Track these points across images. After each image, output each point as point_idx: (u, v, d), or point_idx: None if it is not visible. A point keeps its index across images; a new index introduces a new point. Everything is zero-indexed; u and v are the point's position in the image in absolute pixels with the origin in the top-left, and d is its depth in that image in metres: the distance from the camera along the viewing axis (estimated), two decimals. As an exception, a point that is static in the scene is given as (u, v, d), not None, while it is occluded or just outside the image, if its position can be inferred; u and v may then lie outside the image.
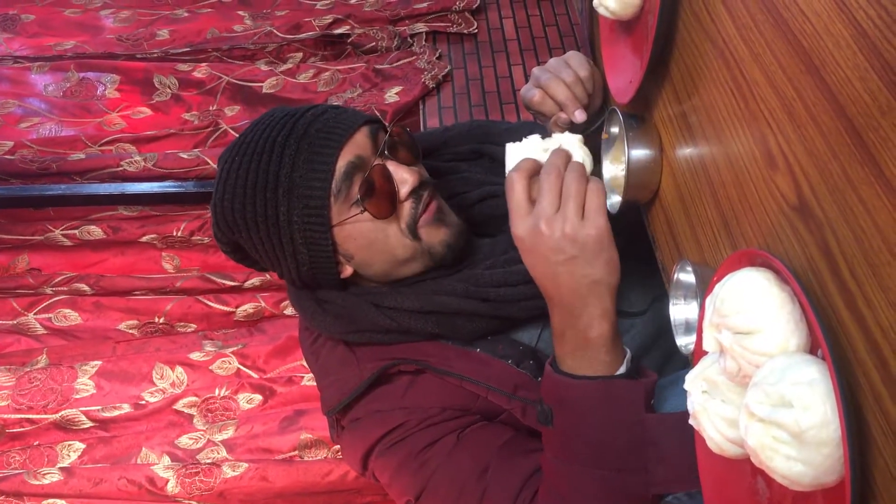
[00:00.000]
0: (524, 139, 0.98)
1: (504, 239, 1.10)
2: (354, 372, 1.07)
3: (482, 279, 1.05)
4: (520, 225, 0.89)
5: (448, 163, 1.22)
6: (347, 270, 1.07)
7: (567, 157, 0.92)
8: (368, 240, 1.03)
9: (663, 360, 1.14)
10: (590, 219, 0.88)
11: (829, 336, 0.56)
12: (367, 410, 1.07)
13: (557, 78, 1.07)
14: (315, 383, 1.20)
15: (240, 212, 1.02)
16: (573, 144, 0.96)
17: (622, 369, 0.92)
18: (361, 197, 1.00)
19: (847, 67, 0.59)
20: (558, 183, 0.88)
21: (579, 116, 1.07)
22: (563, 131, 1.07)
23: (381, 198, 1.01)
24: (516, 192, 0.90)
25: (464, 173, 1.20)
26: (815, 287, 0.63)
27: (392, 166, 1.02)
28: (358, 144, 1.02)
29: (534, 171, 0.92)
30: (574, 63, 1.09)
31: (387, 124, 1.07)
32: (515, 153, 0.97)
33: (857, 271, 0.58)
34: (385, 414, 1.05)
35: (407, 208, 1.03)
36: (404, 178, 1.02)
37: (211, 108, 2.39)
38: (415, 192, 1.03)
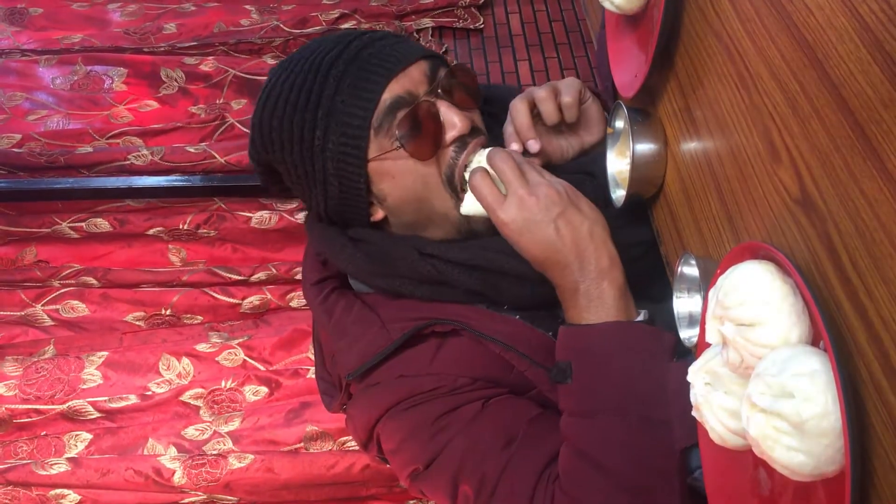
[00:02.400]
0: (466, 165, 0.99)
1: None
2: (378, 332, 0.99)
3: None
4: (504, 211, 0.90)
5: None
6: (379, 213, 1.03)
7: (500, 148, 0.96)
8: (405, 181, 0.98)
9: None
10: (552, 178, 0.92)
11: (830, 328, 0.57)
12: (391, 374, 0.99)
13: (524, 103, 1.03)
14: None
15: (277, 130, 0.98)
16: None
17: (641, 317, 0.92)
18: (401, 133, 0.95)
19: (850, 61, 0.59)
20: (513, 161, 0.91)
21: (533, 146, 1.03)
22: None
23: (423, 137, 0.95)
24: (486, 188, 0.91)
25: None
26: (818, 279, 0.64)
27: (443, 107, 0.96)
28: (411, 79, 0.97)
29: (487, 173, 0.94)
30: (559, 86, 1.06)
31: (450, 63, 1.01)
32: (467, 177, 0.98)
33: (859, 264, 0.59)
34: (411, 379, 0.98)
35: (449, 154, 0.98)
36: (453, 121, 0.96)
37: (218, 102, 2.40)
38: (461, 139, 0.97)
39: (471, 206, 0.97)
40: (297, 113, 0.96)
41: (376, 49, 0.97)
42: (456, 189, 0.99)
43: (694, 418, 0.81)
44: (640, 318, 0.92)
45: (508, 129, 1.05)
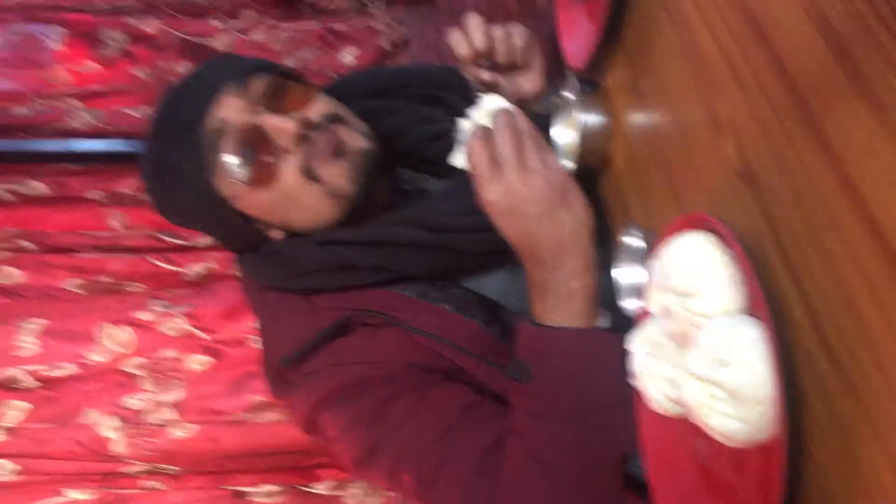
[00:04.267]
0: (469, 113, 0.95)
1: (461, 177, 1.07)
2: (311, 320, 1.00)
3: (434, 209, 1.01)
4: (491, 190, 0.85)
5: (404, 101, 1.16)
6: (277, 234, 1.03)
7: (511, 113, 0.89)
8: (270, 204, 0.98)
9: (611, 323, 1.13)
10: (551, 165, 0.87)
11: (768, 298, 0.58)
12: (324, 363, 1.00)
13: (481, 26, 1.02)
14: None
15: (155, 200, 1.02)
16: (499, 102, 0.93)
17: (604, 322, 0.91)
18: (231, 167, 0.94)
19: (794, 33, 0.60)
20: (515, 139, 0.86)
21: (483, 75, 1.03)
22: (479, 84, 1.05)
23: (254, 163, 0.94)
24: (481, 159, 0.86)
25: (419, 111, 1.14)
26: (757, 251, 0.65)
27: (269, 120, 0.94)
28: (223, 107, 0.94)
29: (488, 136, 0.89)
30: (511, 28, 1.06)
31: (265, 70, 0.99)
32: (465, 127, 0.95)
33: (797, 235, 0.60)
34: (344, 367, 0.99)
35: (300, 155, 0.95)
36: (283, 129, 0.94)
37: (161, 64, 2.33)
38: (305, 137, 0.95)
39: (461, 162, 0.93)
40: (157, 180, 0.99)
41: (185, 92, 0.97)
42: (319, 178, 0.97)
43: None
44: (604, 322, 0.91)
45: (461, 51, 1.03)
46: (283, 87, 0.98)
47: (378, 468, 0.98)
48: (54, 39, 2.37)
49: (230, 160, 0.94)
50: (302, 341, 1.00)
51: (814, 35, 0.58)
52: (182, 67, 2.34)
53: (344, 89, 1.14)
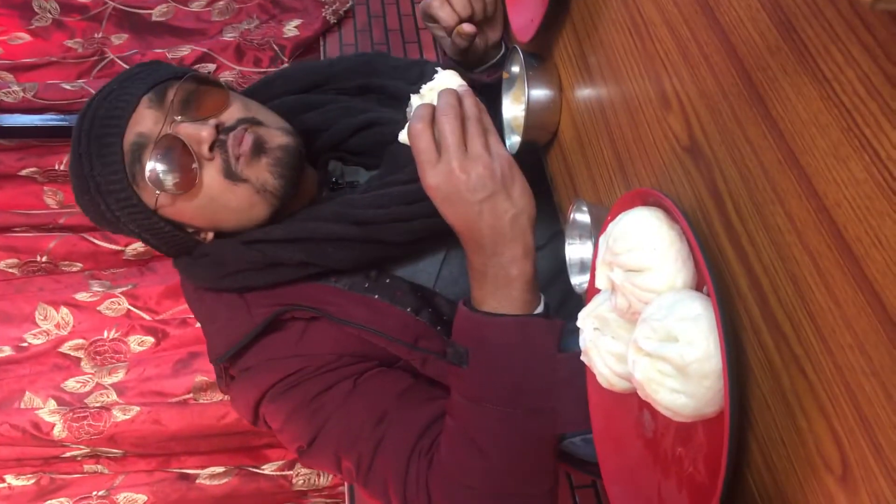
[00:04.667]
0: (421, 88, 0.94)
1: (385, 168, 1.08)
2: (244, 317, 1.02)
3: (354, 202, 1.02)
4: (433, 174, 0.85)
5: (330, 94, 1.18)
6: (208, 236, 1.05)
7: (457, 95, 0.88)
8: (197, 208, 0.99)
9: (562, 298, 1.15)
10: (495, 152, 0.86)
11: (714, 273, 0.58)
12: (259, 358, 1.03)
13: None
14: None
15: (87, 210, 1.02)
16: (452, 79, 0.92)
17: (540, 309, 0.92)
18: (153, 179, 0.95)
19: (740, 8, 0.60)
20: (458, 123, 0.85)
21: (467, 28, 1.05)
22: (466, 44, 1.06)
23: (175, 171, 0.96)
24: (423, 142, 0.85)
25: (343, 103, 1.15)
26: (703, 226, 0.65)
27: (184, 129, 0.96)
28: (140, 120, 0.96)
29: (432, 117, 0.88)
30: None
31: (179, 77, 1.00)
32: (414, 103, 0.94)
33: (742, 210, 0.60)
34: (278, 361, 1.02)
35: (218, 160, 0.97)
36: (199, 137, 0.95)
37: (96, 36, 2.26)
38: (219, 141, 0.97)
39: (405, 139, 0.91)
40: (83, 195, 0.99)
41: (105, 108, 0.98)
42: (243, 177, 0.98)
43: (576, 407, 0.85)
44: (540, 308, 0.92)
45: (446, 18, 1.07)
46: (196, 93, 0.99)
47: (321, 456, 1.00)
48: (-18, 10, 2.28)
49: (152, 172, 0.95)
50: (236, 339, 1.02)
51: (759, 9, 0.58)
52: (118, 39, 2.27)
53: (273, 87, 1.17)
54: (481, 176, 0.84)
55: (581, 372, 0.82)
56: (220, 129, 0.97)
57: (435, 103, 0.88)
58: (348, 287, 1.03)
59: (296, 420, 1.00)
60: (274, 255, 1.00)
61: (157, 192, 0.96)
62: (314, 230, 1.00)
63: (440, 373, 1.00)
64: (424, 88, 0.93)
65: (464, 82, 0.92)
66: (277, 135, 1.00)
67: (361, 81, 1.19)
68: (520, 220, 0.87)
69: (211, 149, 0.96)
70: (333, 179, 1.13)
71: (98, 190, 0.97)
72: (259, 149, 0.98)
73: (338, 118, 1.13)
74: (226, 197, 0.98)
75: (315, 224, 1.00)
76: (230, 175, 0.97)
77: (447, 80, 0.92)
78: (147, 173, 0.95)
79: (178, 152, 0.95)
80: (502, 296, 0.89)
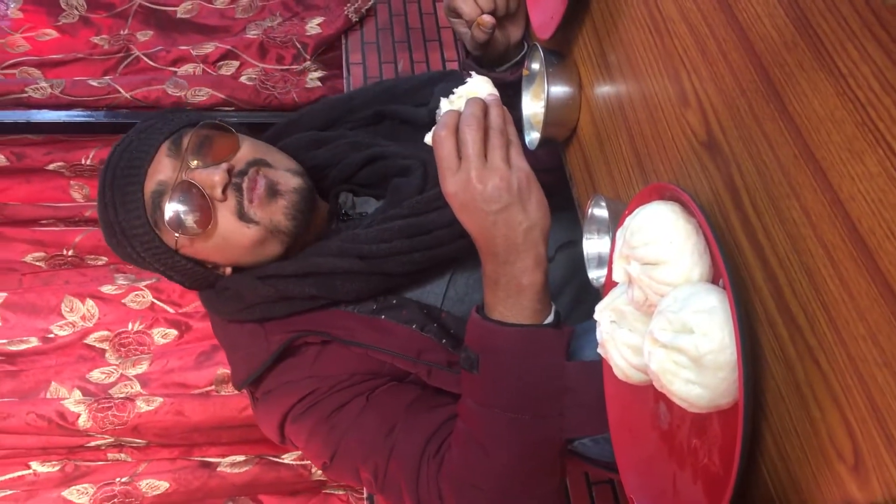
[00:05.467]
0: (453, 91, 0.96)
1: (388, 202, 1.12)
2: (263, 345, 1.09)
3: (358, 237, 1.07)
4: (451, 182, 0.88)
5: (348, 130, 1.23)
6: (227, 270, 1.11)
7: (483, 105, 0.91)
8: (213, 247, 1.05)
9: (571, 306, 1.17)
10: (515, 164, 0.88)
11: (729, 266, 0.59)
12: (278, 382, 1.09)
13: None
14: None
15: (117, 252, 1.09)
16: (483, 86, 0.95)
17: (550, 318, 0.94)
18: (172, 222, 1.02)
19: (757, 4, 0.60)
20: (480, 134, 0.88)
21: (486, 18, 1.07)
22: (486, 36, 1.07)
23: (191, 214, 1.02)
24: (445, 150, 0.88)
25: (351, 138, 1.21)
26: (720, 219, 0.66)
27: (198, 175, 1.02)
28: (159, 168, 1.03)
29: (457, 124, 0.90)
30: None
31: (193, 125, 1.07)
32: (443, 107, 0.96)
33: (759, 204, 0.61)
34: (295, 384, 1.07)
35: (231, 202, 1.03)
36: (211, 181, 1.01)
37: (122, 33, 2.29)
38: (233, 184, 1.03)
39: (430, 141, 0.94)
40: (111, 240, 1.07)
41: (126, 159, 1.04)
42: (254, 219, 1.04)
43: (584, 412, 0.89)
44: (550, 318, 0.94)
45: (468, 11, 1.08)
46: (209, 139, 1.05)
47: (342, 470, 1.06)
48: (11, 6, 2.31)
49: (171, 216, 1.02)
50: (255, 365, 1.08)
51: (776, 5, 0.59)
52: (143, 36, 2.30)
53: (298, 124, 1.24)
54: (497, 187, 0.87)
55: (587, 378, 0.84)
56: (231, 173, 1.03)
57: (462, 110, 0.90)
58: (356, 310, 1.08)
59: (316, 438, 1.05)
60: (286, 290, 1.06)
61: (177, 234, 1.02)
62: (321, 265, 1.05)
63: (446, 383, 1.04)
64: (455, 93, 0.95)
65: (494, 90, 0.94)
66: (287, 176, 1.06)
67: (379, 108, 1.25)
68: (533, 233, 0.89)
69: (224, 191, 1.02)
70: (343, 211, 1.18)
71: (124, 234, 1.04)
72: (273, 192, 1.04)
73: (346, 153, 1.18)
74: (238, 237, 1.04)
75: (322, 259, 1.05)
76: (242, 216, 1.03)
77: (477, 86, 0.94)
78: (167, 218, 1.02)
79: (193, 196, 1.02)
80: (513, 304, 0.92)
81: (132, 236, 1.04)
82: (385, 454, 1.01)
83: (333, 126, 1.25)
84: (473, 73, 0.97)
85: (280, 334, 1.08)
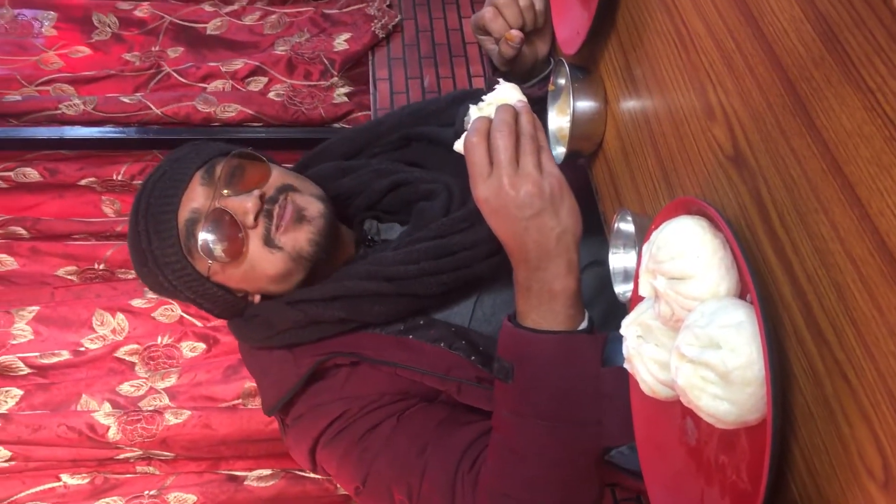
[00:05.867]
0: (482, 99, 0.96)
1: (413, 225, 1.14)
2: (292, 370, 1.09)
3: (385, 260, 1.08)
4: (483, 188, 0.88)
5: (372, 157, 1.25)
6: (256, 298, 1.12)
7: (513, 111, 0.91)
8: (242, 274, 1.07)
9: (601, 321, 1.16)
10: (547, 170, 0.88)
11: (757, 281, 0.58)
12: (308, 406, 1.09)
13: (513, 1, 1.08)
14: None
15: (146, 281, 1.11)
16: (512, 93, 0.95)
17: (584, 324, 0.93)
18: (204, 249, 1.04)
19: (784, 18, 0.60)
20: (512, 140, 0.88)
21: (515, 34, 1.08)
22: (513, 52, 1.08)
23: (224, 241, 1.04)
24: (476, 156, 0.88)
25: (374, 166, 1.22)
26: (747, 234, 0.65)
27: (231, 202, 1.04)
28: (192, 196, 1.05)
29: (488, 130, 0.90)
30: None
31: (225, 154, 1.09)
32: (473, 114, 0.96)
33: (787, 219, 0.60)
34: (325, 406, 1.08)
35: (260, 228, 1.05)
36: (244, 208, 1.04)
37: (153, 49, 2.32)
38: (264, 211, 1.05)
39: (461, 148, 0.94)
40: (142, 269, 1.09)
41: (159, 189, 1.07)
42: (279, 245, 1.05)
43: (622, 418, 0.86)
44: (584, 324, 0.93)
45: (496, 28, 1.09)
46: (241, 168, 1.08)
47: (375, 493, 1.06)
48: (45, 24, 2.36)
49: (205, 243, 1.04)
50: (285, 390, 1.09)
51: (800, 17, 0.58)
52: (174, 52, 2.34)
53: (327, 152, 1.27)
54: (530, 193, 0.86)
55: (624, 385, 0.83)
56: (263, 199, 1.05)
57: (492, 117, 0.90)
58: (384, 332, 1.09)
59: (347, 462, 1.06)
60: (315, 314, 1.07)
61: (210, 261, 1.04)
62: (350, 288, 1.06)
63: (477, 399, 1.04)
64: (484, 100, 0.95)
65: (523, 97, 0.94)
66: (313, 201, 1.08)
67: (406, 132, 1.26)
68: (565, 238, 0.89)
69: (256, 218, 1.04)
70: (369, 237, 1.20)
71: (156, 263, 1.06)
72: (300, 217, 1.06)
73: (370, 181, 1.20)
74: (264, 264, 1.06)
75: (351, 283, 1.06)
76: (268, 242, 1.05)
77: (507, 93, 0.94)
78: (200, 244, 1.04)
79: (226, 224, 1.04)
80: (546, 310, 0.91)
81: (164, 265, 1.05)
82: (418, 473, 1.00)
83: (360, 153, 1.27)
84: (502, 80, 0.97)
85: (309, 358, 1.09)
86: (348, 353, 1.07)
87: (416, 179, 1.19)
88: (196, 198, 1.05)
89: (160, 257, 1.05)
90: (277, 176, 1.09)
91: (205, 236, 1.03)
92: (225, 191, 1.05)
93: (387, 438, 1.04)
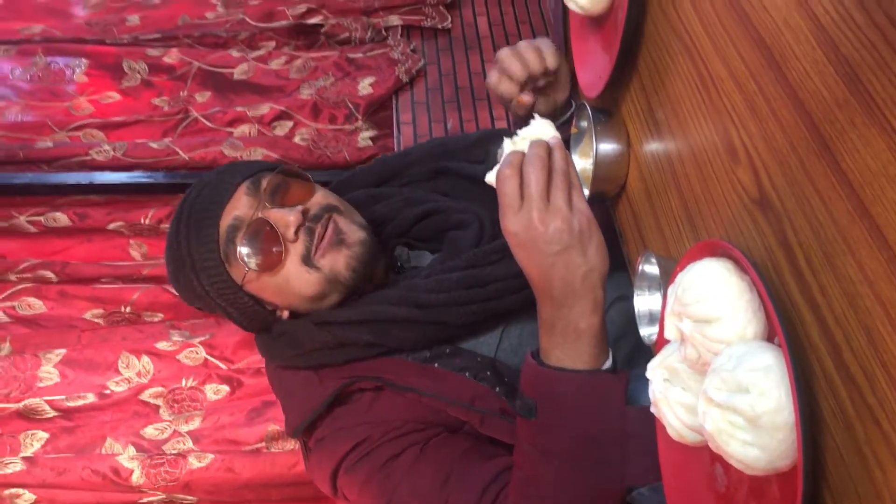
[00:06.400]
0: (517, 133, 0.97)
1: (446, 253, 1.14)
2: (317, 391, 1.10)
3: (417, 287, 1.08)
4: (513, 221, 0.88)
5: (401, 186, 1.26)
6: (284, 314, 1.13)
7: (547, 147, 0.91)
8: (274, 287, 1.08)
9: (625, 361, 1.15)
10: (577, 207, 0.88)
11: (784, 324, 0.58)
12: (331, 429, 1.09)
13: (516, 57, 1.09)
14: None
15: (178, 288, 1.13)
16: (546, 128, 0.95)
17: (608, 363, 0.93)
18: (243, 256, 1.05)
19: (806, 62, 0.61)
20: (544, 175, 0.88)
21: (525, 98, 1.09)
22: (524, 112, 1.09)
23: (263, 251, 1.06)
24: (508, 188, 0.88)
25: (406, 194, 1.23)
26: (773, 277, 0.65)
27: (273, 214, 1.06)
28: (237, 205, 1.07)
29: (521, 164, 0.90)
30: (540, 44, 1.10)
31: (271, 170, 1.11)
32: (506, 148, 0.96)
33: (813, 261, 0.60)
34: (348, 430, 1.07)
35: (300, 244, 1.06)
36: (286, 221, 1.05)
37: (182, 94, 2.37)
38: (306, 227, 1.06)
39: (492, 180, 0.94)
40: (179, 275, 1.11)
41: (204, 196, 1.09)
42: (317, 266, 1.06)
43: (646, 459, 0.86)
44: (608, 364, 0.93)
45: (501, 86, 1.10)
46: (286, 184, 1.09)
47: None
48: (77, 71, 2.42)
49: (244, 250, 1.05)
50: (309, 410, 1.09)
51: (823, 61, 0.59)
52: (201, 97, 2.38)
53: (354, 180, 1.28)
54: (559, 230, 0.86)
55: (648, 424, 0.82)
56: (306, 216, 1.06)
57: (524, 150, 0.91)
58: (410, 358, 1.09)
59: (368, 490, 1.05)
60: (343, 336, 1.08)
61: (246, 269, 1.05)
62: (380, 313, 1.07)
63: (500, 432, 1.03)
64: (519, 135, 0.96)
65: (557, 133, 0.94)
66: (355, 228, 1.09)
67: (435, 165, 1.27)
68: (591, 277, 0.89)
69: (296, 232, 1.05)
70: (399, 264, 1.20)
71: (193, 268, 1.07)
72: (339, 241, 1.07)
73: (402, 209, 1.21)
74: (299, 281, 1.07)
75: (381, 307, 1.07)
76: (307, 261, 1.06)
77: (541, 129, 0.95)
78: (238, 252, 1.05)
79: (266, 234, 1.05)
80: (571, 348, 0.91)
81: (201, 269, 1.07)
82: (441, 503, 1.00)
83: (388, 182, 1.28)
84: (537, 115, 0.97)
85: (334, 381, 1.09)
86: (373, 378, 1.07)
87: (448, 209, 1.20)
88: (240, 206, 1.07)
89: (198, 262, 1.07)
90: (322, 196, 1.11)
91: (245, 244, 1.05)
92: (268, 203, 1.06)
93: (409, 467, 1.03)
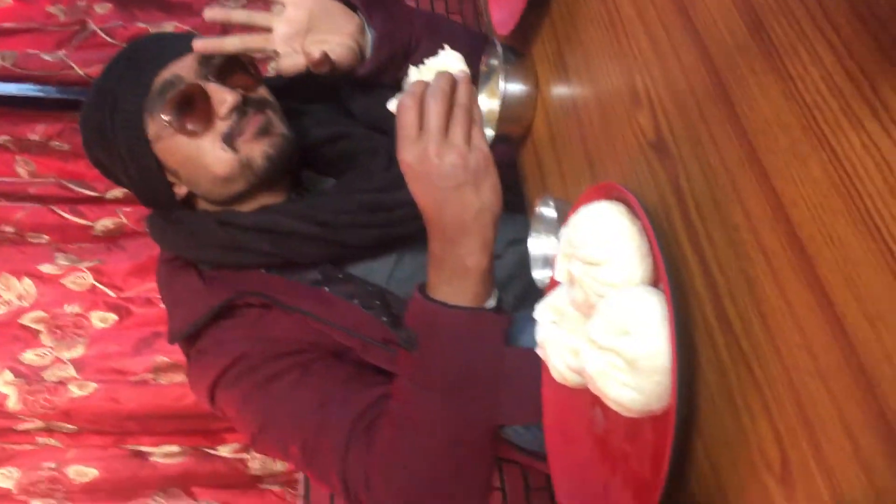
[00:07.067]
0: (423, 61, 0.94)
1: (355, 174, 1.12)
2: (204, 301, 1.07)
3: (321, 206, 1.07)
4: (409, 151, 0.86)
5: (303, 105, 1.23)
6: (182, 189, 1.10)
7: (452, 79, 0.88)
8: (185, 154, 1.05)
9: (516, 303, 1.16)
10: (475, 144, 0.87)
11: (670, 270, 0.58)
12: (214, 340, 1.07)
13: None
14: None
15: (86, 126, 1.09)
16: (455, 61, 0.92)
17: (491, 302, 0.93)
18: (168, 113, 1.03)
19: (713, 7, 0.60)
20: (445, 108, 0.85)
21: (312, 55, 1.09)
22: (328, 69, 1.08)
23: (191, 115, 1.04)
24: (407, 118, 0.86)
25: (316, 113, 1.21)
26: (664, 222, 0.65)
27: (214, 88, 1.04)
28: (182, 65, 1.05)
29: (423, 94, 0.87)
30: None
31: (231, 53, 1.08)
32: (412, 76, 0.93)
33: (703, 208, 0.60)
34: (230, 344, 1.05)
35: (226, 124, 1.04)
36: (224, 98, 1.03)
37: (79, 4, 2.22)
38: (239, 110, 1.04)
39: (393, 108, 0.91)
40: (95, 110, 1.07)
41: (155, 44, 1.08)
42: (236, 148, 1.04)
43: (527, 400, 0.86)
44: (491, 302, 0.93)
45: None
46: (236, 67, 1.07)
47: (270, 442, 1.03)
48: (-36, -29, 2.24)
49: (171, 107, 1.02)
50: (193, 318, 1.06)
51: (731, 7, 0.58)
52: (101, 8, 2.24)
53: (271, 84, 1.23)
54: (454, 164, 0.85)
55: (532, 366, 0.82)
56: (243, 100, 1.04)
57: (429, 80, 0.88)
58: (301, 279, 1.08)
59: (246, 408, 1.03)
60: (242, 240, 1.06)
61: (165, 125, 1.03)
62: (282, 224, 1.05)
63: (381, 360, 1.02)
64: (425, 64, 0.92)
65: (465, 67, 0.91)
66: (283, 126, 1.08)
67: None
68: (483, 215, 0.88)
69: (229, 113, 1.03)
70: (306, 186, 1.18)
71: (114, 105, 1.04)
72: (264, 130, 1.05)
73: (311, 128, 1.18)
74: (212, 157, 1.04)
75: (283, 219, 1.06)
76: (227, 140, 1.04)
77: (449, 61, 0.92)
78: (165, 106, 1.02)
79: (199, 102, 1.03)
80: (456, 284, 0.90)
81: (121, 109, 1.04)
82: (315, 429, 0.98)
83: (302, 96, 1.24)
84: (447, 46, 0.94)
85: (223, 292, 1.06)
86: (262, 294, 1.06)
87: (361, 136, 1.18)
88: (184, 68, 1.05)
89: (120, 100, 1.04)
90: (264, 91, 1.09)
91: (174, 102, 1.03)
92: (213, 77, 1.04)
93: (289, 388, 1.02)
